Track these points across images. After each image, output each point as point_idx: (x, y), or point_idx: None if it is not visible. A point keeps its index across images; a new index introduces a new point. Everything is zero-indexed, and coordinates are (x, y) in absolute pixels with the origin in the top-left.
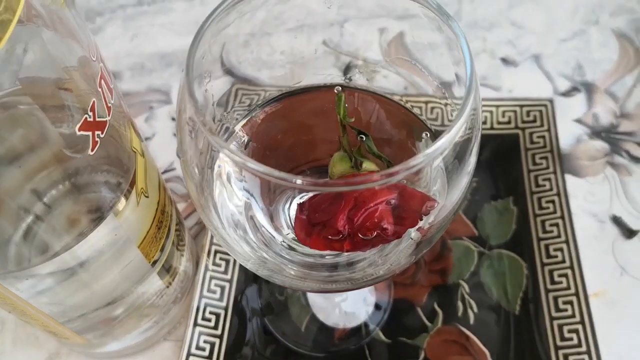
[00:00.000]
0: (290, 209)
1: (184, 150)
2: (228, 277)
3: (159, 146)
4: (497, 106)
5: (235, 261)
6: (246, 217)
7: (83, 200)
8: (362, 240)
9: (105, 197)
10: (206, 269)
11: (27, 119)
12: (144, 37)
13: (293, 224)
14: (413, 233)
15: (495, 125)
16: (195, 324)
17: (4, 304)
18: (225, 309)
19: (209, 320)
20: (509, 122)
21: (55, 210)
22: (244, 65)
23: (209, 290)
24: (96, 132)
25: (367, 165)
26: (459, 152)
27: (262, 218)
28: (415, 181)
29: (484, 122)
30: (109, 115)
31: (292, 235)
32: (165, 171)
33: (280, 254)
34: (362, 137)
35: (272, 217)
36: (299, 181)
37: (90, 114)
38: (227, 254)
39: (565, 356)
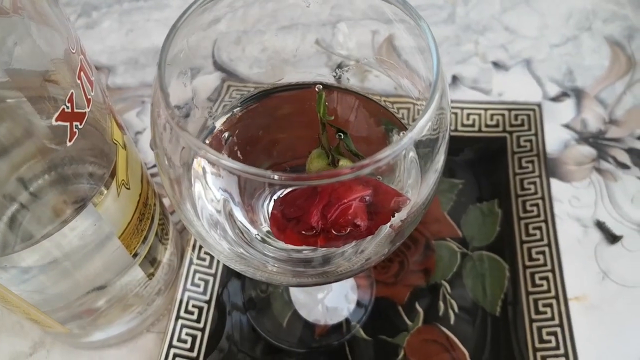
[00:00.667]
0: (269, 206)
1: (157, 144)
2: (212, 271)
3: (149, 140)
4: (486, 109)
5: None
6: (224, 213)
7: (66, 190)
8: (336, 236)
9: (86, 187)
10: (190, 262)
11: (14, 112)
12: (139, 32)
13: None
14: (385, 229)
15: (483, 128)
16: (178, 317)
17: None
18: (208, 303)
19: (192, 313)
20: (497, 126)
21: (39, 200)
22: (235, 62)
23: (192, 284)
24: (74, 123)
25: (344, 162)
26: (427, 151)
27: (239, 214)
28: (388, 175)
29: (472, 125)
30: (88, 107)
31: (267, 229)
32: (154, 165)
33: (257, 249)
34: (340, 135)
35: (251, 213)
36: (275, 175)
37: (69, 104)
38: None
39: (543, 358)
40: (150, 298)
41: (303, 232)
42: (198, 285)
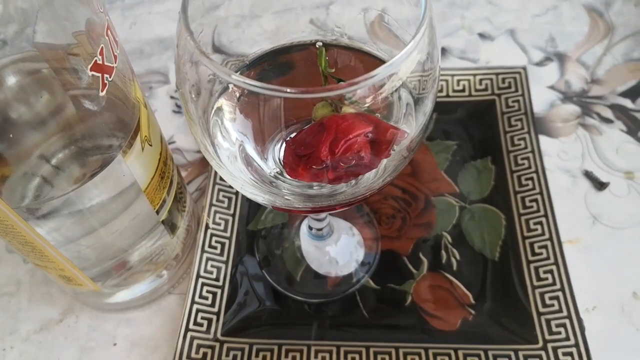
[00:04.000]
0: (280, 150)
1: (182, 82)
2: (227, 234)
3: (159, 122)
4: (474, 75)
5: (234, 220)
6: (240, 156)
7: (97, 145)
8: (343, 169)
9: (115, 142)
10: (207, 227)
11: (47, 82)
12: (142, 25)
13: (282, 161)
14: (385, 162)
15: (473, 92)
16: (198, 276)
17: (24, 245)
18: (226, 263)
19: (211, 272)
20: (485, 89)
21: (73, 155)
22: (234, 44)
23: (210, 246)
24: (105, 75)
25: (346, 109)
26: (419, 94)
27: (254, 155)
28: (386, 114)
29: (462, 90)
30: (115, 62)
31: (277, 171)
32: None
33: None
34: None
35: (263, 157)
36: (286, 90)
37: (100, 57)
38: (226, 214)
39: (542, 294)
40: (172, 258)
41: (314, 167)
42: (215, 247)
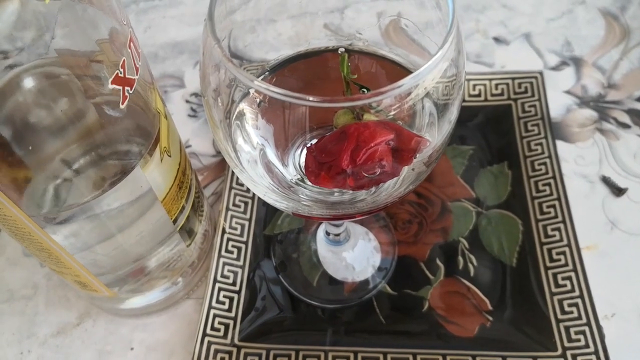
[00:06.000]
0: (301, 156)
1: (206, 88)
2: (244, 239)
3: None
4: (490, 79)
5: (250, 224)
6: (261, 162)
7: (117, 155)
8: (364, 177)
9: (134, 152)
10: (223, 231)
11: (68, 89)
12: (156, 29)
13: (302, 167)
14: (407, 171)
15: (489, 97)
16: (215, 281)
17: (41, 252)
18: (242, 268)
19: (228, 277)
20: (501, 94)
21: (93, 165)
22: (249, 48)
23: (226, 251)
24: (126, 88)
25: (368, 117)
26: (444, 100)
27: (275, 161)
28: (408, 122)
29: (478, 95)
30: (136, 74)
31: (298, 177)
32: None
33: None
34: (364, 92)
35: (283, 163)
36: (310, 98)
37: (121, 70)
38: (243, 218)
39: (560, 301)
40: (188, 265)
41: (335, 175)
42: (231, 252)
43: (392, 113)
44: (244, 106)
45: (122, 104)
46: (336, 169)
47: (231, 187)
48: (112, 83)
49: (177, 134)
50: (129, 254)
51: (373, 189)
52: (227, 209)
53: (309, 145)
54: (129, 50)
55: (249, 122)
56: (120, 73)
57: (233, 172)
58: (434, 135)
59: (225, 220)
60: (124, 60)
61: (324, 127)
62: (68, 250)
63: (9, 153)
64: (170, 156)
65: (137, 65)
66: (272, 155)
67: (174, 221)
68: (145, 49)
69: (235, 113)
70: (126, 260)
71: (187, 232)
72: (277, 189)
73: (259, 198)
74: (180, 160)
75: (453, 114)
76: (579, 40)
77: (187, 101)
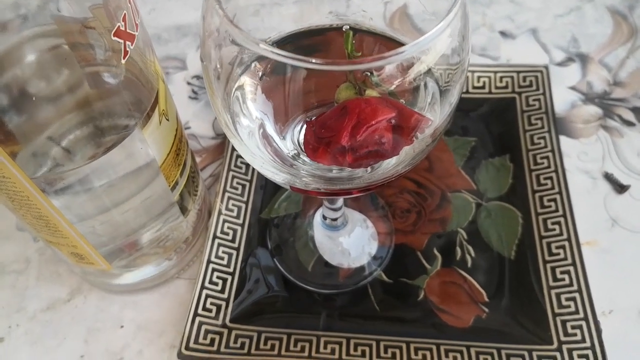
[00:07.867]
0: (300, 132)
1: (206, 55)
2: (240, 221)
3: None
4: (495, 72)
5: (247, 207)
6: (259, 136)
7: (117, 117)
8: (364, 154)
9: (134, 114)
10: (220, 213)
11: (64, 57)
12: (160, 11)
13: (300, 143)
14: (408, 149)
15: (493, 90)
16: (209, 261)
17: (38, 220)
18: (237, 249)
19: (222, 258)
20: (506, 87)
21: (95, 125)
22: (252, 33)
23: (221, 232)
24: (127, 42)
25: (370, 92)
26: (446, 83)
27: (273, 134)
28: (410, 100)
29: (482, 87)
30: (136, 30)
31: (295, 152)
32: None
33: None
34: (367, 73)
35: (281, 137)
36: (313, 60)
37: (122, 23)
38: (240, 201)
39: (558, 295)
40: (182, 242)
41: (334, 151)
42: (227, 234)
43: (394, 86)
44: (245, 79)
45: (123, 58)
46: (335, 145)
47: (229, 169)
48: (113, 35)
49: (172, 100)
50: (126, 224)
51: (369, 169)
52: (225, 190)
53: (309, 120)
54: (129, 5)
55: (249, 96)
56: (122, 26)
57: (232, 155)
58: (436, 115)
59: (222, 201)
60: (124, 14)
61: (326, 105)
62: (67, 217)
63: (10, 115)
64: (168, 120)
65: (137, 22)
66: (270, 129)
67: (172, 189)
68: (149, 30)
69: (236, 85)
70: (124, 230)
71: (181, 208)
72: (276, 162)
73: (256, 181)
74: (177, 127)
75: (454, 96)
76: (586, 37)
77: (189, 83)
